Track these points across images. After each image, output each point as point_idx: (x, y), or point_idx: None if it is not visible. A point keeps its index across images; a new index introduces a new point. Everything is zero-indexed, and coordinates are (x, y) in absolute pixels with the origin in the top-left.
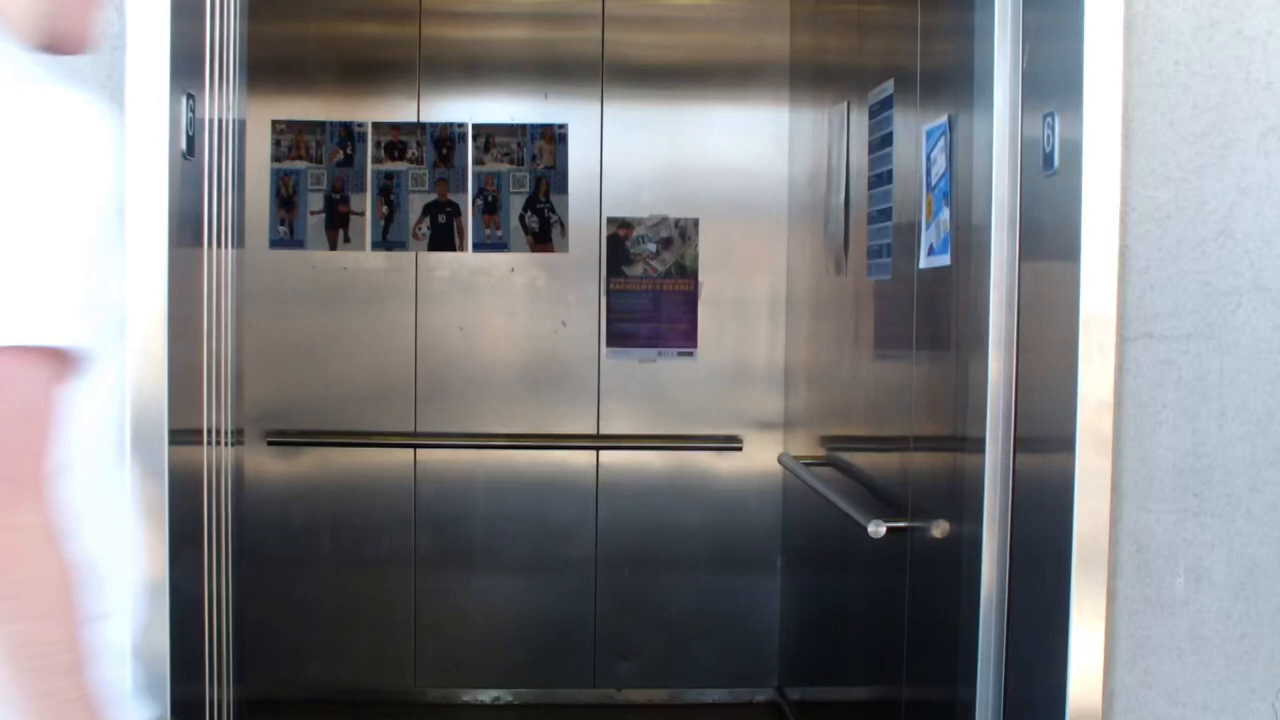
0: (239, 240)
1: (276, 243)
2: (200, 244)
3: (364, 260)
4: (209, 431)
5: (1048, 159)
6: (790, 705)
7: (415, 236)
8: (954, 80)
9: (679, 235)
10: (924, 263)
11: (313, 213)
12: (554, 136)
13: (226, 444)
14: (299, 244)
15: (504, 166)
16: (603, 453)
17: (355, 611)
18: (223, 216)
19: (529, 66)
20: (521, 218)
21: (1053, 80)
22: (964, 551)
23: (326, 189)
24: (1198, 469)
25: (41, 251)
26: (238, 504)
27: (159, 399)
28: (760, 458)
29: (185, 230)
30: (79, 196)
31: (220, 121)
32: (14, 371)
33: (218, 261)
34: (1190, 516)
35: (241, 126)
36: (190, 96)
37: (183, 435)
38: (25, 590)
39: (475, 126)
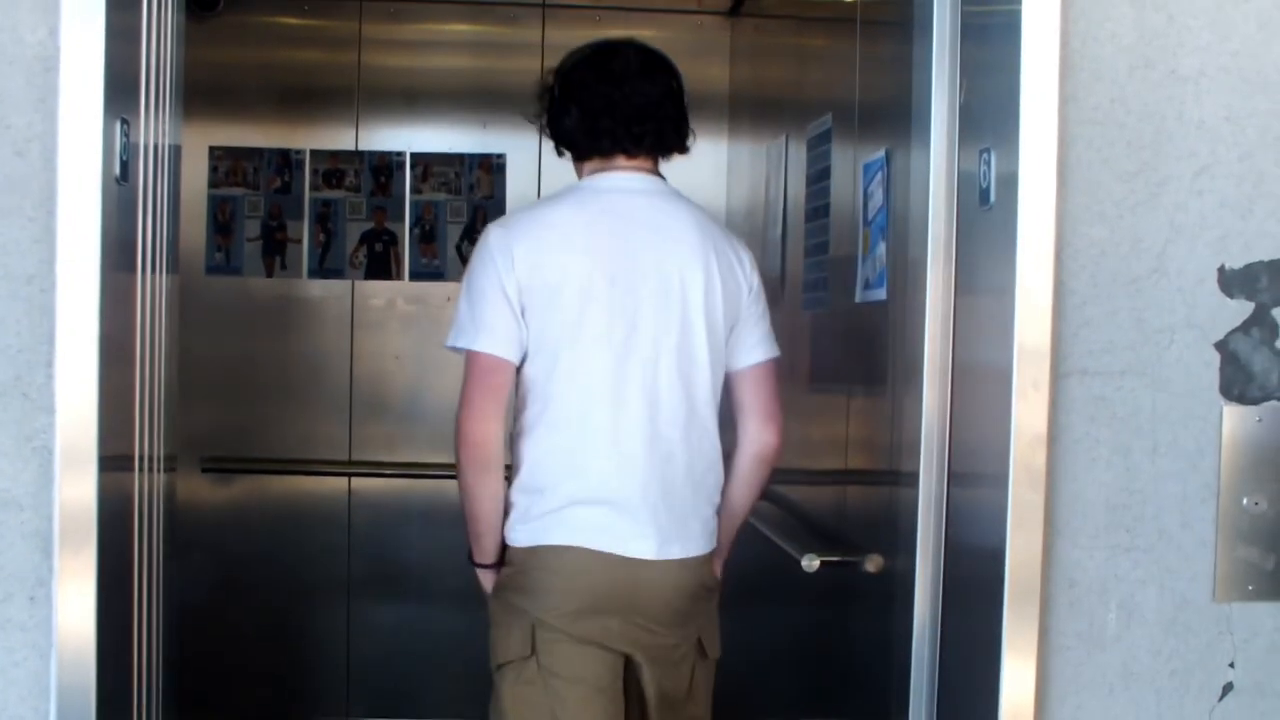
0: (173, 266)
1: (213, 269)
2: (133, 270)
3: (300, 288)
4: (140, 458)
5: (984, 195)
6: None
7: (352, 264)
8: (892, 115)
9: None
10: (860, 297)
11: (249, 239)
12: (492, 166)
13: (159, 470)
14: (235, 271)
15: (442, 196)
16: None
17: (288, 641)
18: (157, 242)
19: (468, 96)
20: (459, 247)
21: (990, 116)
22: (897, 586)
23: (264, 216)
24: (1130, 505)
25: None
26: (169, 531)
27: (89, 425)
28: None
29: (118, 256)
30: None
31: (155, 147)
32: None
33: (151, 287)
34: (1122, 552)
35: (176, 152)
36: (125, 121)
37: (113, 461)
38: None
39: (413, 155)
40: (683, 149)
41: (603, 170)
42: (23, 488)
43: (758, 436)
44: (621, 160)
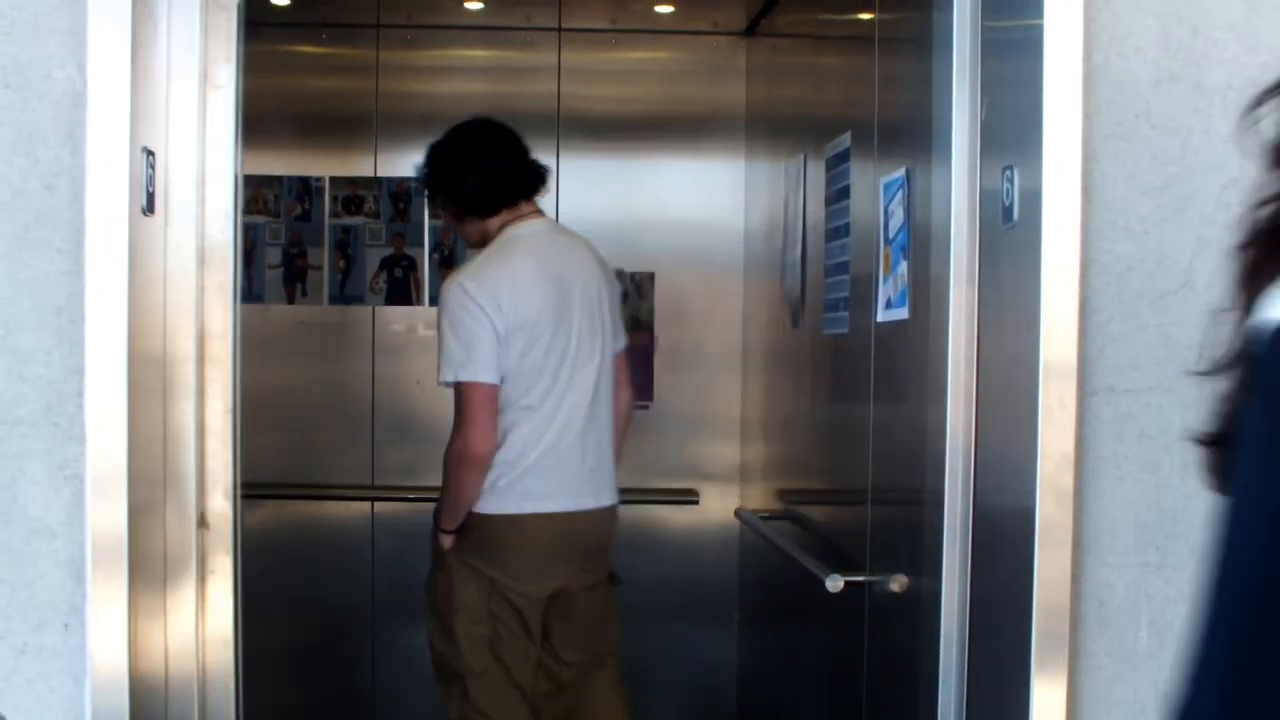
0: (249, 295)
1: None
2: (163, 299)
3: (321, 314)
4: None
5: (1007, 212)
6: None
7: (372, 290)
8: (912, 133)
9: (635, 289)
10: (882, 316)
11: (271, 266)
12: None
13: (237, 498)
14: (257, 298)
15: None
16: None
17: (311, 666)
18: (203, 269)
19: None
20: None
21: (1012, 132)
22: (923, 605)
23: (284, 243)
24: (1160, 523)
25: None
26: (236, 558)
27: (119, 454)
28: (717, 511)
29: (146, 286)
30: None
31: (196, 178)
32: None
33: (204, 315)
34: (1153, 570)
35: (235, 182)
36: (150, 153)
37: (141, 489)
38: None
39: None
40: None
41: (516, 220)
42: (55, 516)
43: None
44: (525, 207)
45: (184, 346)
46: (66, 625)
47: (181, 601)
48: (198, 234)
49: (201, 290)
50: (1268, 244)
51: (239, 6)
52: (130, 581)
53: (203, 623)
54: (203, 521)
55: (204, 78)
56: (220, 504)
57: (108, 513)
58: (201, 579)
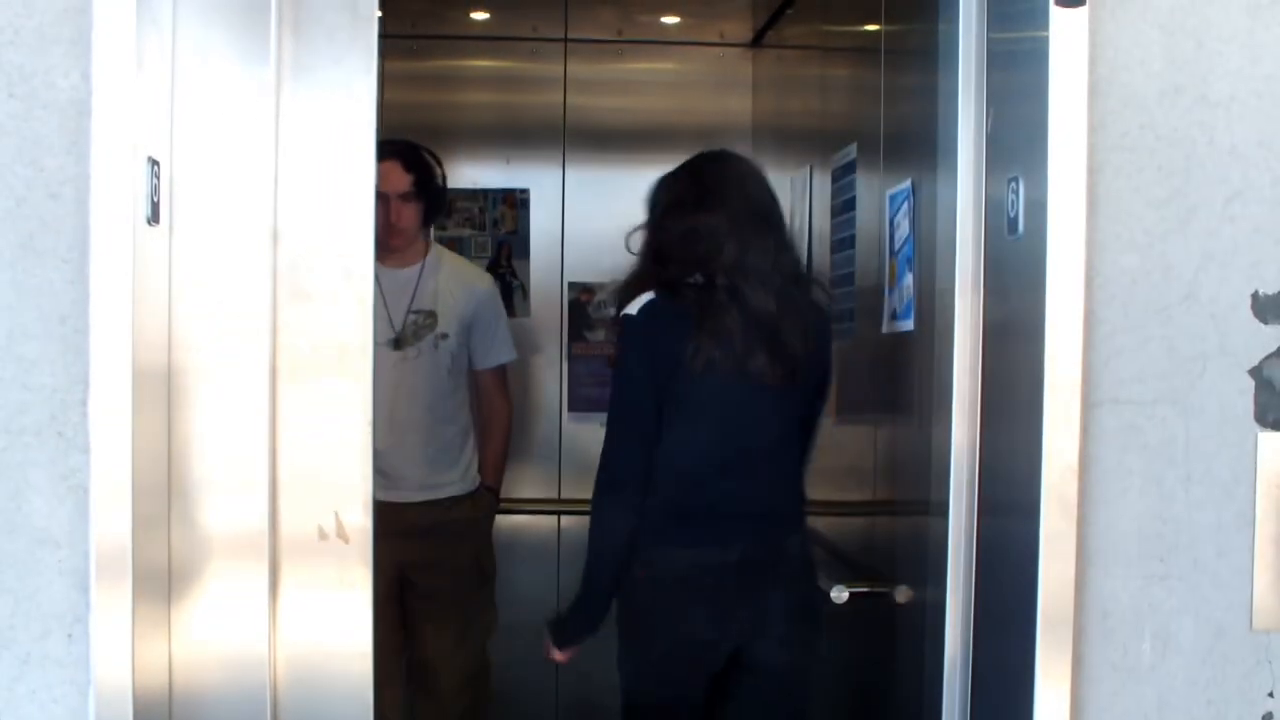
0: None
1: None
2: (164, 308)
3: None
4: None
5: (1012, 224)
6: None
7: None
8: (917, 144)
9: None
10: (887, 327)
11: None
12: (516, 201)
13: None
14: None
15: (465, 231)
16: (564, 517)
17: None
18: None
19: (491, 131)
20: None
21: (1017, 144)
22: (928, 616)
23: None
24: (1164, 534)
25: None
26: (375, 571)
27: (123, 464)
28: None
29: (149, 297)
30: None
31: (208, 188)
32: None
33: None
34: (1157, 582)
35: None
36: (154, 163)
37: (146, 498)
38: None
39: None
40: None
41: None
42: (59, 525)
43: None
44: None
45: (200, 358)
46: (70, 635)
47: (188, 613)
48: (272, 247)
49: (275, 303)
50: (628, 288)
51: (379, 20)
52: (134, 592)
53: (274, 634)
54: (329, 532)
55: (279, 87)
56: (360, 518)
57: (112, 523)
58: (274, 592)
